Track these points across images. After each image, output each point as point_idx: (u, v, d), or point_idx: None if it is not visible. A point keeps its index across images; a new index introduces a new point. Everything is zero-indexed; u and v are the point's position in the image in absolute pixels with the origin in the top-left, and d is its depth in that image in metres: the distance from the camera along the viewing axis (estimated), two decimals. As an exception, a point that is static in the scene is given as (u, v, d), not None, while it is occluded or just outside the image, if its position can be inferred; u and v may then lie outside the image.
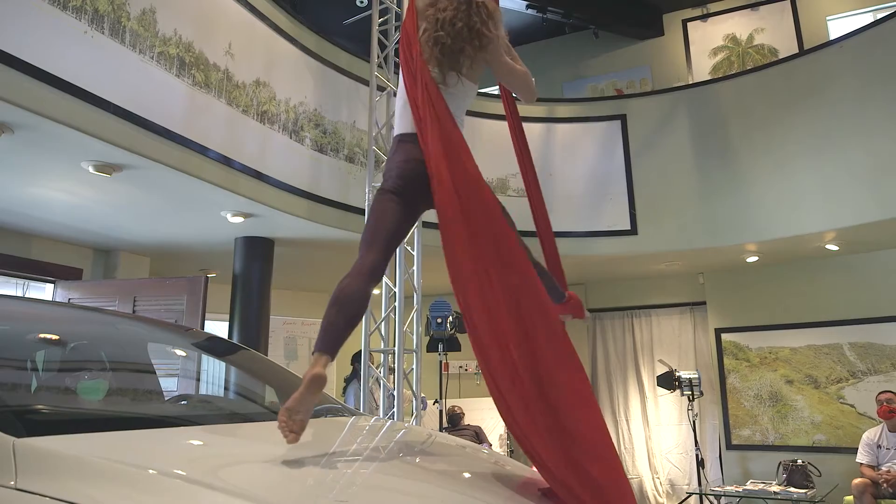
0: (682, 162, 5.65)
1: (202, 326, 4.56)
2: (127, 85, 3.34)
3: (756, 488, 5.40)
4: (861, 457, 4.95)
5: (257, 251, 5.04)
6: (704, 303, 6.66)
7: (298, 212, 4.51)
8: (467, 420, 6.47)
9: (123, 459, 1.15)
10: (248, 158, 4.12)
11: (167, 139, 3.55)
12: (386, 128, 4.74)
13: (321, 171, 4.73)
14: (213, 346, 2.53)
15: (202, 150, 3.77)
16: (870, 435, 4.95)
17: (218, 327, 5.61)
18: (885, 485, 4.59)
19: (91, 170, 3.53)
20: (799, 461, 5.41)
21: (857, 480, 4.82)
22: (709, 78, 6.86)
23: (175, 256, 5.70)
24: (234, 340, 4.64)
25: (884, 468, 4.71)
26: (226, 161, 3.94)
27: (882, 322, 5.71)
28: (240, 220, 4.50)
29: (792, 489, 5.23)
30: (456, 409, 6.47)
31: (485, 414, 6.70)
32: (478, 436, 6.19)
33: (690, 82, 6.96)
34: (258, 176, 4.20)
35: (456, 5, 1.86)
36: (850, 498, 4.85)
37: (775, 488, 5.33)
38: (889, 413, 4.75)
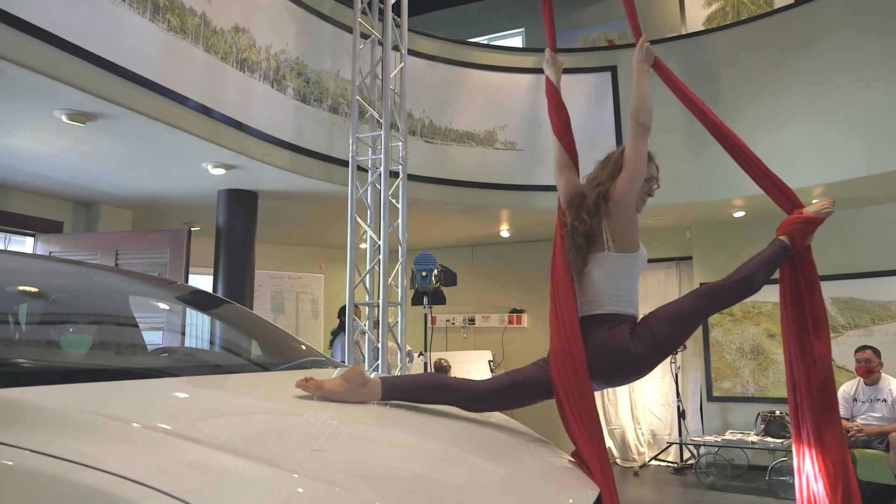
0: (672, 115, 5.50)
1: (186, 280, 4.52)
2: (98, 30, 3.19)
3: (734, 438, 5.55)
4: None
5: (241, 204, 4.96)
6: (690, 257, 6.69)
7: (282, 163, 4.42)
8: (454, 373, 6.55)
9: (99, 410, 1.13)
10: (228, 108, 4.00)
11: (142, 87, 3.42)
12: (370, 77, 4.61)
13: (304, 122, 4.62)
14: (197, 300, 2.50)
15: (180, 99, 3.65)
16: (846, 388, 5.05)
17: (203, 281, 5.57)
18: (857, 433, 4.70)
19: (64, 119, 3.41)
20: (777, 412, 5.55)
21: (832, 430, 4.94)
22: (702, 29, 6.72)
23: (157, 209, 5.61)
24: (219, 294, 4.60)
25: (859, 420, 4.83)
26: (205, 110, 3.83)
27: (866, 277, 5.77)
28: (221, 171, 4.41)
29: (769, 439, 5.38)
30: (442, 361, 6.53)
31: (471, 367, 6.77)
32: (464, 388, 6.27)
33: (683, 33, 6.81)
34: (239, 126, 4.09)
35: (578, 200, 1.99)
36: (825, 447, 4.98)
37: (753, 438, 5.47)
38: (867, 373, 4.84)
